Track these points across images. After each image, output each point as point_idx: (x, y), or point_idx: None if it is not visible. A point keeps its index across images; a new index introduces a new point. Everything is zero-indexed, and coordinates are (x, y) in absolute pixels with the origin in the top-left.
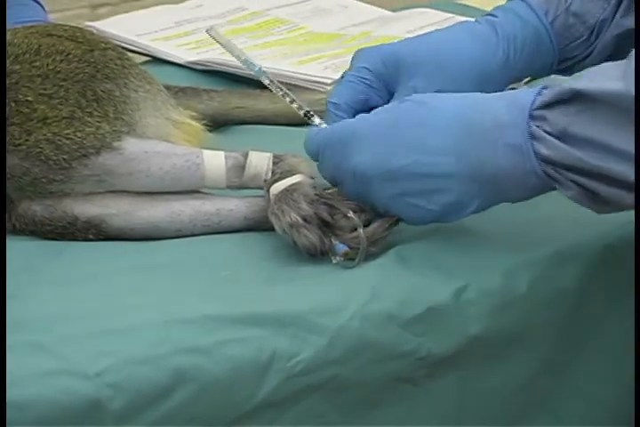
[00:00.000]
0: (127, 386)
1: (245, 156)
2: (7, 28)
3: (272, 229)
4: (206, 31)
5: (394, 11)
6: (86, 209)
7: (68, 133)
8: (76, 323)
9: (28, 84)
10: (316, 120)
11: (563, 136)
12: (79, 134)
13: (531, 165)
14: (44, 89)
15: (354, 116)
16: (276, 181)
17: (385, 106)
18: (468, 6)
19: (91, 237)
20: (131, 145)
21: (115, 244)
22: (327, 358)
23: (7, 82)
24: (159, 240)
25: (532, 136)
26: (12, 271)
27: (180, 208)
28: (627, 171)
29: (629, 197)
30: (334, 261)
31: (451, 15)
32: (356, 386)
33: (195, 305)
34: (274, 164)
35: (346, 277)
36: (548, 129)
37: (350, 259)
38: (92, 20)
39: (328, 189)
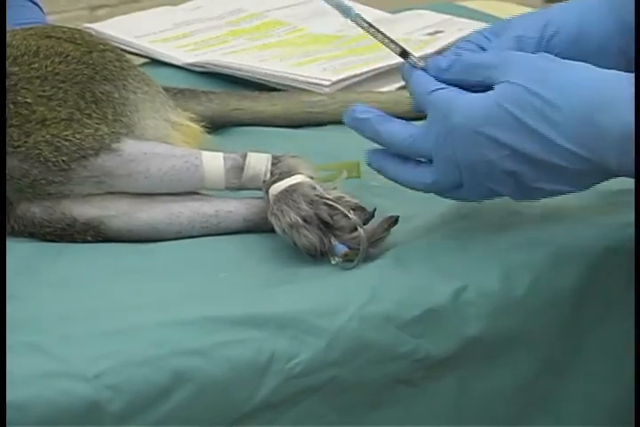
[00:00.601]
0: (126, 388)
1: (244, 157)
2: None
3: (271, 230)
4: None
5: (392, 13)
6: (85, 211)
7: (66, 135)
8: (75, 324)
9: (26, 85)
10: (414, 58)
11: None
12: (78, 136)
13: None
14: (43, 91)
15: None
16: (275, 181)
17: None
18: (466, 8)
19: (89, 238)
20: (129, 146)
21: (113, 245)
22: (326, 359)
23: (6, 84)
24: (158, 242)
25: None
26: (11, 273)
27: (178, 210)
28: None
29: None
30: (333, 262)
31: (449, 17)
32: (355, 387)
33: (193, 307)
34: (272, 165)
35: (344, 279)
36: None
37: (349, 260)
38: (91, 22)
39: (328, 188)
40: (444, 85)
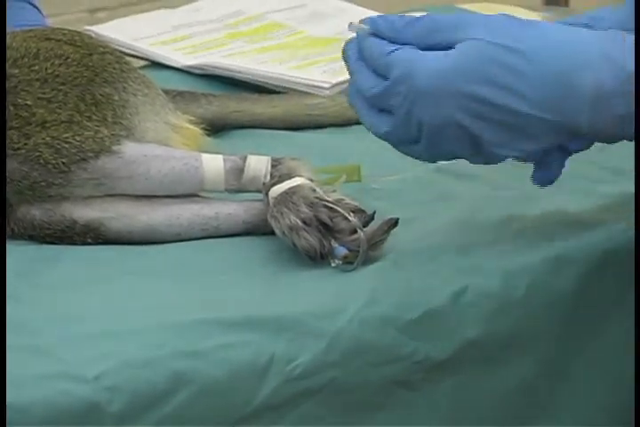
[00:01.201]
0: (125, 389)
1: (244, 159)
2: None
3: (271, 232)
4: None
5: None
6: (85, 213)
7: (66, 137)
8: (75, 326)
9: (26, 87)
10: (356, 24)
11: None
12: (78, 138)
13: None
14: (43, 93)
15: None
16: (275, 184)
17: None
18: (465, 10)
19: (89, 240)
20: (130, 148)
21: (113, 248)
22: (325, 361)
23: (6, 86)
24: (158, 244)
25: None
26: (11, 275)
27: (178, 212)
28: None
29: None
30: (333, 265)
31: None
32: (354, 389)
33: (193, 309)
34: (272, 167)
35: (344, 281)
36: None
37: (349, 262)
38: (91, 24)
39: (328, 190)
40: (400, 46)
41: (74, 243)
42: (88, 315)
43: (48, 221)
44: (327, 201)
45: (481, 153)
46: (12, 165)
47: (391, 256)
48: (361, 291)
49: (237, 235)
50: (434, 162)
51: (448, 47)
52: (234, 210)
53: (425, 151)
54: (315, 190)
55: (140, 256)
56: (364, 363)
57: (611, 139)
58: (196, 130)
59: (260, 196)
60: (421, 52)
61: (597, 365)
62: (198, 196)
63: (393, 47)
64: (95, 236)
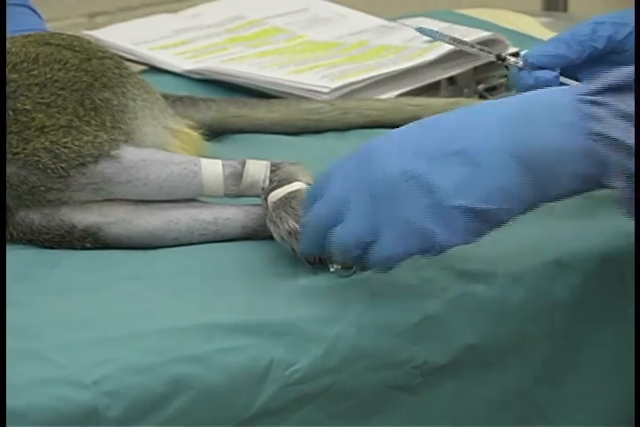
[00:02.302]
0: (124, 394)
1: (243, 164)
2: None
3: (270, 237)
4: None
5: (391, 20)
6: (84, 217)
7: (65, 142)
8: (73, 331)
9: (25, 92)
10: (512, 59)
11: (623, 116)
12: (77, 143)
13: (587, 144)
14: (42, 98)
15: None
16: (274, 189)
17: None
18: (465, 16)
19: (88, 245)
20: (129, 153)
21: (112, 252)
22: (324, 366)
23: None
24: (156, 249)
25: (590, 116)
26: (10, 280)
27: (177, 216)
28: None
29: None
30: (332, 270)
31: (448, 25)
32: (353, 394)
33: (192, 314)
34: (271, 172)
35: (342, 286)
36: (608, 110)
37: (347, 267)
38: (90, 29)
39: None
40: None
41: (73, 247)
42: (87, 320)
43: (47, 225)
44: None
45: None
46: (11, 169)
47: None
48: (360, 296)
49: (236, 240)
50: None
51: None
52: (233, 215)
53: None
54: None
55: (139, 261)
56: (362, 368)
57: None
58: (195, 135)
59: (260, 200)
60: None
61: (596, 370)
62: (197, 200)
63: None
64: (94, 240)
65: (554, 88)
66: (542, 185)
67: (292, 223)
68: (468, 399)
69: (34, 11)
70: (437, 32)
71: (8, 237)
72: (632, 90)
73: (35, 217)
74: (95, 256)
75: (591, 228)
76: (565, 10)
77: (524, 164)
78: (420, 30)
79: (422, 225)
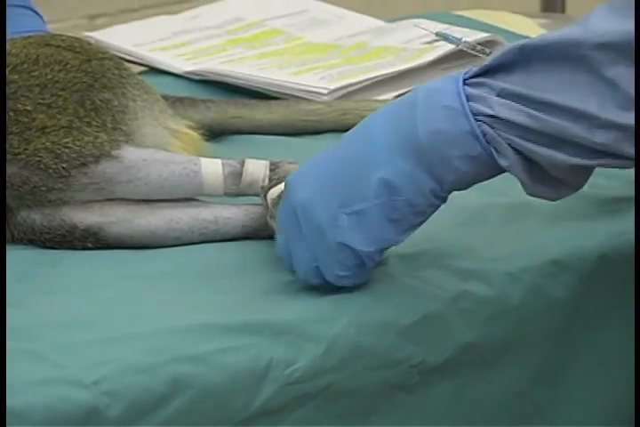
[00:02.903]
0: (124, 394)
1: (242, 163)
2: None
3: (269, 237)
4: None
5: (390, 21)
6: (85, 217)
7: (66, 142)
8: (73, 331)
9: (26, 93)
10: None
11: (502, 94)
12: (78, 143)
13: (469, 124)
14: (43, 98)
15: None
16: (273, 186)
17: None
18: (463, 17)
19: (89, 245)
20: (129, 153)
21: (112, 252)
22: (323, 365)
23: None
24: (157, 249)
25: (469, 98)
26: (11, 280)
27: (178, 216)
28: (579, 131)
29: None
30: None
31: (447, 26)
32: (352, 393)
33: (191, 313)
34: (271, 171)
35: (341, 286)
36: (487, 89)
37: None
38: (90, 31)
39: None
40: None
41: (74, 247)
42: (86, 320)
43: (48, 225)
44: None
45: None
46: (12, 169)
47: (389, 260)
48: (359, 295)
49: (236, 239)
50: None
51: None
52: (233, 214)
53: None
54: None
55: (140, 261)
56: (361, 367)
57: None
58: (195, 135)
59: (259, 200)
60: None
61: (595, 370)
62: (197, 200)
63: None
64: (95, 240)
65: (443, 77)
66: (433, 170)
67: None
68: (465, 399)
69: (35, 12)
70: (460, 38)
71: (9, 237)
72: (508, 69)
73: (36, 217)
74: (95, 256)
75: (589, 227)
76: (563, 11)
77: (408, 152)
78: (441, 35)
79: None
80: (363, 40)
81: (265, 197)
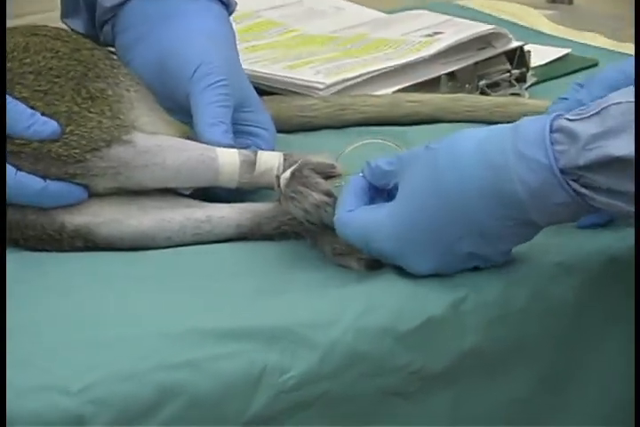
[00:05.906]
0: (112, 402)
1: (255, 153)
2: None
3: (263, 237)
4: None
5: (389, 13)
6: (74, 217)
7: (72, 130)
8: (60, 336)
9: (21, 80)
10: None
11: (610, 192)
12: (83, 129)
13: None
14: (39, 85)
15: None
16: (285, 170)
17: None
18: (466, 8)
19: (79, 245)
20: (140, 139)
21: (101, 254)
22: (319, 373)
23: None
24: (147, 250)
25: (578, 193)
26: None
27: (170, 215)
28: None
29: None
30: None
31: (449, 17)
32: (349, 401)
33: (183, 318)
34: (284, 160)
35: (339, 289)
36: (594, 187)
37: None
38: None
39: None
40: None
41: (62, 248)
42: (74, 323)
43: (35, 224)
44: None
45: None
46: (25, 167)
47: (389, 264)
48: (357, 299)
49: (230, 240)
50: None
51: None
52: (226, 213)
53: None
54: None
55: (128, 263)
56: (358, 374)
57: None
58: (188, 128)
59: (256, 199)
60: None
61: (597, 374)
62: (190, 200)
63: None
64: (85, 240)
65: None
66: None
67: (319, 195)
68: (466, 406)
69: None
70: None
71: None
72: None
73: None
74: (82, 258)
75: (594, 230)
76: (570, 2)
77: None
78: None
79: None
80: (362, 32)
81: (279, 182)
